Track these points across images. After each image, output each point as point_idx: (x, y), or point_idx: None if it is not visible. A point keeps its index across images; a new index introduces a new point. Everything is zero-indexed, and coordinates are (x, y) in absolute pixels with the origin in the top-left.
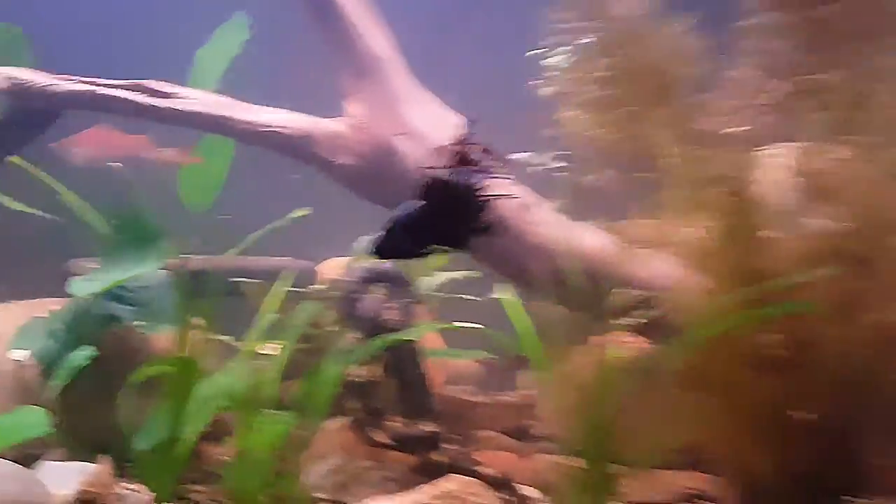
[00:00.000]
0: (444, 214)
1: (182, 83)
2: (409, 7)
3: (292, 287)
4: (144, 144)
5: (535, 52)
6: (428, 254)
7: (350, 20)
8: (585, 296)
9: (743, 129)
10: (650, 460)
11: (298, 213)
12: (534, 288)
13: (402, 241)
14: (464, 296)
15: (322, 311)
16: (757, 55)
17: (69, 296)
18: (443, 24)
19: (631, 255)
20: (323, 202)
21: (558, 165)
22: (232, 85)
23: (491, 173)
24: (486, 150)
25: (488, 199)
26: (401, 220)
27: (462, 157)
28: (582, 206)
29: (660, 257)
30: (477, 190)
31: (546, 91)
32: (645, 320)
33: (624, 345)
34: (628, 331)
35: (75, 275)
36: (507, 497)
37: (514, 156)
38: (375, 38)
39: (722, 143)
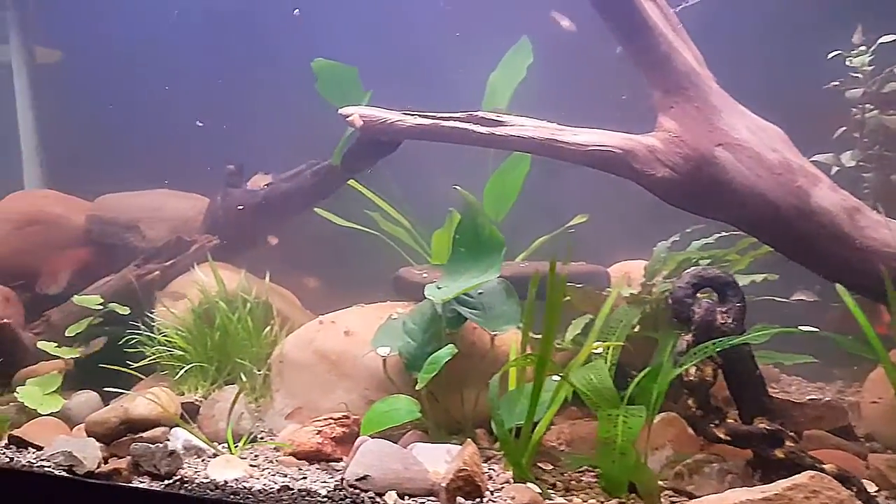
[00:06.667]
0: None
1: (477, 109)
2: (702, 21)
3: (598, 289)
4: None
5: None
6: None
7: (662, 38)
8: None
9: None
10: None
11: (577, 219)
12: (864, 291)
13: None
14: (777, 298)
15: (637, 314)
16: None
17: (410, 299)
18: (737, 37)
19: None
20: (604, 209)
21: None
22: (519, 107)
23: None
24: None
25: None
26: None
27: None
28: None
29: None
30: None
31: (854, 92)
32: None
33: None
34: None
35: (418, 282)
36: (855, 493)
37: (818, 157)
38: (686, 54)
39: None
